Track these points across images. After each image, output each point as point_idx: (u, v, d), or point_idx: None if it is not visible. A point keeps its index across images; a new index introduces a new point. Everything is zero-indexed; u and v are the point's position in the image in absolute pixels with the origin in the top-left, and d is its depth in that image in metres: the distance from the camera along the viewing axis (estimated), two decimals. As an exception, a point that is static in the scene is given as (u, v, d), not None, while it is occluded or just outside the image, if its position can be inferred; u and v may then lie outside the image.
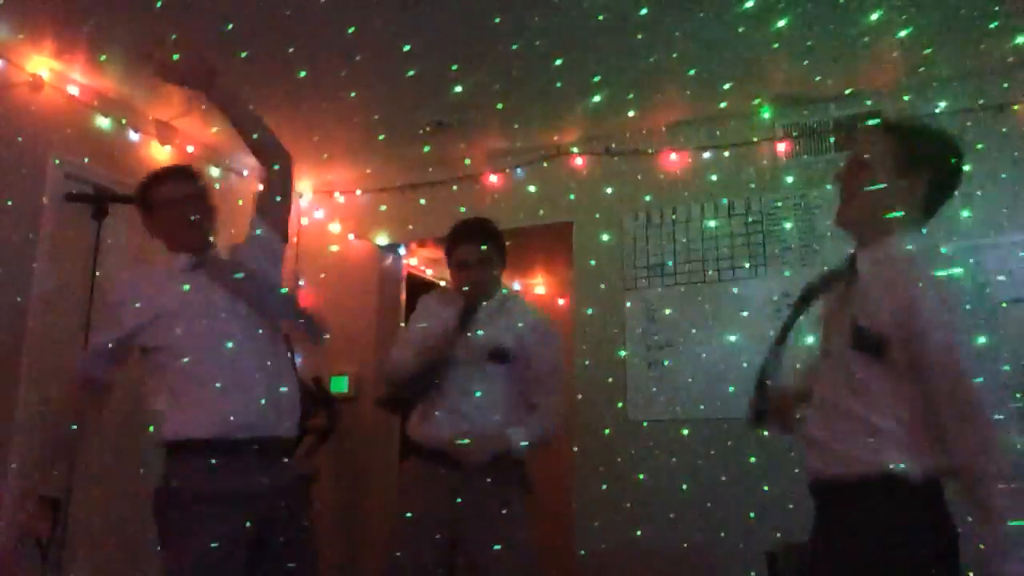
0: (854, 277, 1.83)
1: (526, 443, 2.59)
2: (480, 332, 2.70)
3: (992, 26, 3.12)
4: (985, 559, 1.56)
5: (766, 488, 3.43)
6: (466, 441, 2.52)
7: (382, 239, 4.69)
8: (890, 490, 1.68)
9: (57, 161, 3.52)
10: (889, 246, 1.80)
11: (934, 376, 1.65)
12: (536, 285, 6.09)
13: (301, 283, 4.79)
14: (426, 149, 4.36)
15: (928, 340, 1.65)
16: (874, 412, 1.71)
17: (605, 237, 4.11)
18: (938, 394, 1.65)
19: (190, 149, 4.18)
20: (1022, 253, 3.30)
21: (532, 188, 4.32)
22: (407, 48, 3.32)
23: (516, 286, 6.02)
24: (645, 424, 3.82)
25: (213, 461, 2.14)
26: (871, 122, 1.91)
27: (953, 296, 1.72)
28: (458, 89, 3.65)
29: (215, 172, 4.35)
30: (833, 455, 1.76)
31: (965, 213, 3.41)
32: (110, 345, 2.32)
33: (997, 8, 3.01)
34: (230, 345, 2.23)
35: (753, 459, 3.51)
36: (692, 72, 3.51)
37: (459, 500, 2.58)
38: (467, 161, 4.50)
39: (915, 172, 1.80)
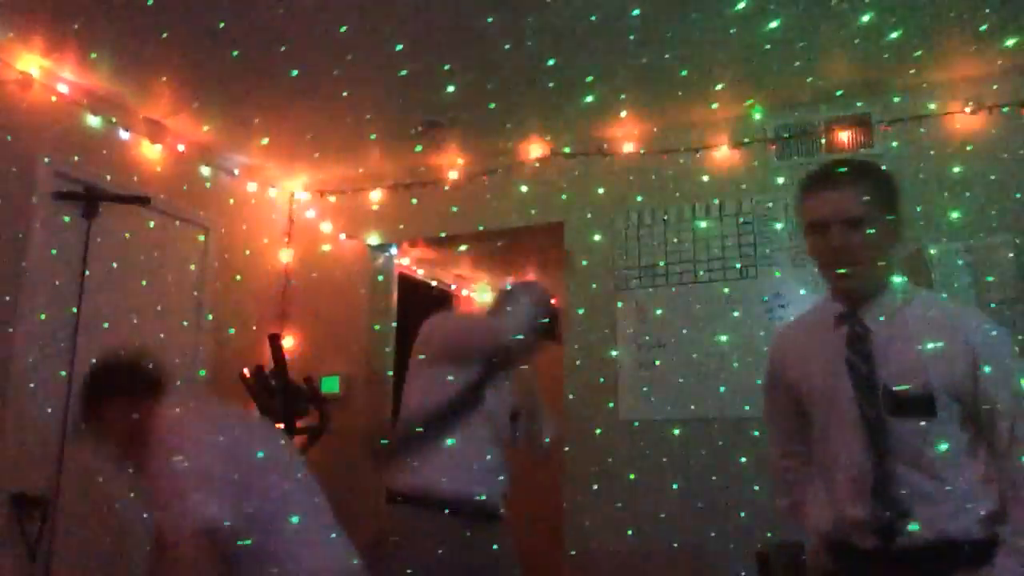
0: (860, 339, 1.77)
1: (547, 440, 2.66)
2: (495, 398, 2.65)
3: (982, 28, 3.13)
4: None
5: (757, 488, 3.44)
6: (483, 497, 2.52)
7: (374, 239, 4.68)
8: (981, 552, 1.66)
9: (47, 160, 3.50)
10: (892, 298, 1.79)
11: (1004, 424, 1.66)
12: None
13: (293, 283, 4.77)
14: (418, 149, 4.35)
15: (999, 388, 1.67)
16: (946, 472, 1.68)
17: (597, 237, 4.12)
18: (1009, 442, 1.66)
19: (180, 148, 4.17)
20: (1011, 254, 3.32)
21: (524, 188, 4.32)
22: (399, 47, 3.31)
23: (508, 286, 6.01)
24: (636, 424, 3.83)
25: None
26: (840, 172, 1.84)
27: (1007, 344, 1.75)
28: (450, 89, 3.65)
29: (206, 171, 4.34)
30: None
31: (954, 214, 3.43)
32: None
33: (987, 11, 3.03)
34: None
35: (744, 459, 3.52)
36: (684, 73, 3.51)
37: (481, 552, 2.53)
38: (459, 161, 4.50)
39: (896, 212, 1.82)
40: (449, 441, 2.49)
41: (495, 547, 2.52)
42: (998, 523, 1.66)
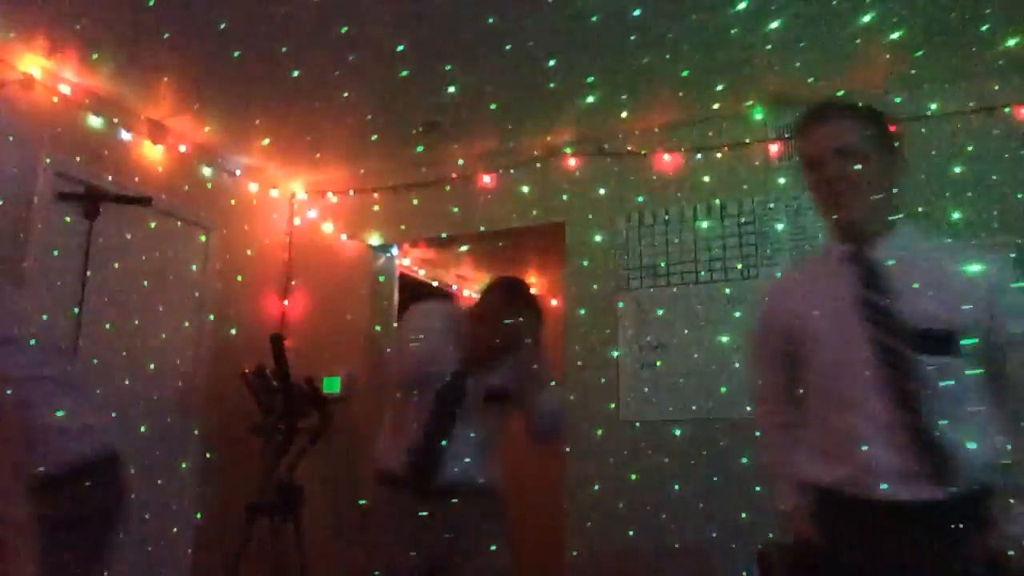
0: (875, 275, 1.72)
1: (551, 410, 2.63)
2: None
3: (983, 29, 3.13)
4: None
5: (757, 488, 3.43)
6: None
7: (375, 239, 4.69)
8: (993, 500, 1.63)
9: (48, 160, 3.51)
10: (905, 236, 1.77)
11: (1019, 355, 1.65)
12: (529, 286, 6.09)
13: (294, 283, 4.78)
14: (419, 149, 4.36)
15: (1014, 320, 1.66)
16: (970, 417, 1.63)
17: (598, 238, 4.12)
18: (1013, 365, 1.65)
19: (182, 148, 4.17)
20: (1012, 254, 3.31)
21: (525, 188, 4.33)
22: (400, 48, 3.32)
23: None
24: (637, 424, 3.83)
25: None
26: (830, 107, 1.85)
27: (1014, 276, 1.73)
28: (451, 89, 3.65)
29: (207, 172, 4.35)
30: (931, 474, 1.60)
31: (956, 214, 3.43)
32: None
33: (988, 11, 3.03)
34: None
35: (745, 459, 3.51)
36: (685, 73, 3.51)
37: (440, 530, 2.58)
38: (460, 161, 4.50)
39: (895, 149, 1.79)
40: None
41: (454, 522, 2.56)
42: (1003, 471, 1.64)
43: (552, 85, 3.62)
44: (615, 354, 3.94)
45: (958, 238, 3.36)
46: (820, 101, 1.91)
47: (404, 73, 3.51)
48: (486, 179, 4.42)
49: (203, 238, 4.31)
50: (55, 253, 3.48)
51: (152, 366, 3.94)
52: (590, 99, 3.75)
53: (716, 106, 3.83)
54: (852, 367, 1.69)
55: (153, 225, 4.00)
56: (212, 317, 4.27)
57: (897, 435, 1.62)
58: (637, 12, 3.04)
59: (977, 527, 1.59)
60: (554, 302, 5.66)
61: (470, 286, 5.95)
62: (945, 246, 1.80)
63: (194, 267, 4.25)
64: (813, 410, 1.80)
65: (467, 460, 2.60)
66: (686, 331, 3.82)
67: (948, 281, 1.68)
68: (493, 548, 2.58)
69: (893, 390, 1.63)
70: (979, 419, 1.64)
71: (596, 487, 3.82)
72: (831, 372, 1.74)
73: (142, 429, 3.84)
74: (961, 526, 1.58)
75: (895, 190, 1.77)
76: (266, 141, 4.27)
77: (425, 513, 2.55)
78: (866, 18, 3.07)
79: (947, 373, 1.63)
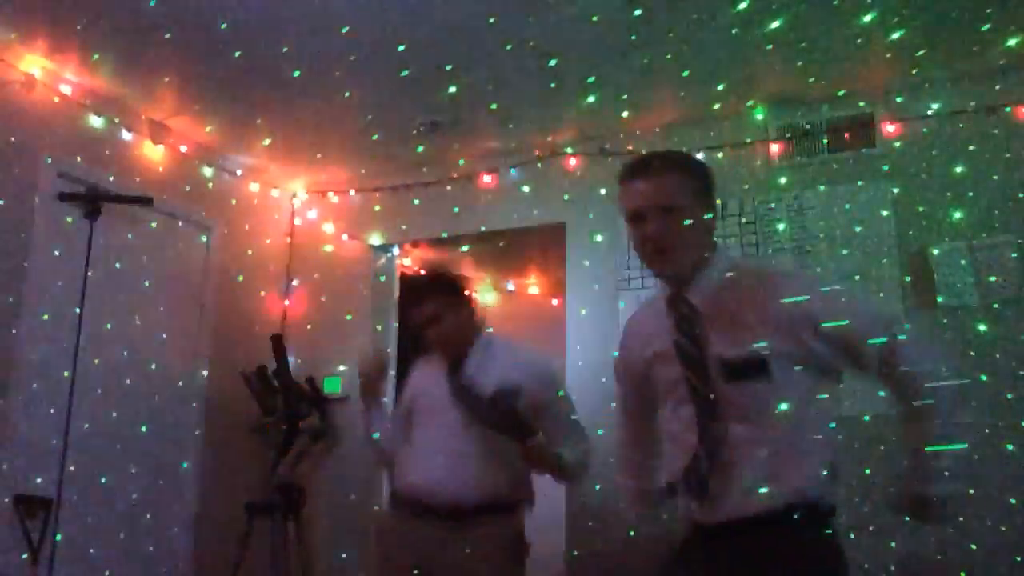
0: (689, 318, 1.82)
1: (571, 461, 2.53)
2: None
3: (984, 28, 3.13)
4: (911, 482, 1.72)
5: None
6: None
7: (376, 239, 4.68)
8: (813, 516, 1.70)
9: (49, 160, 3.51)
10: (713, 274, 1.84)
11: (861, 341, 1.71)
12: (530, 286, 6.10)
13: (295, 283, 4.78)
14: (420, 149, 4.35)
15: (860, 326, 1.73)
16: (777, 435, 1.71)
17: (599, 238, 4.11)
18: (869, 357, 1.71)
19: (183, 148, 4.18)
20: (1014, 254, 3.31)
21: (526, 188, 4.32)
22: (401, 48, 3.32)
23: (510, 287, 6.02)
24: (638, 424, 3.82)
25: None
26: (655, 160, 1.91)
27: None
28: (452, 89, 3.65)
29: (208, 172, 4.35)
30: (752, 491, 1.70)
31: (957, 214, 3.42)
32: None
33: (989, 10, 3.03)
34: None
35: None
36: (686, 73, 3.51)
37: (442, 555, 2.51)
38: (461, 161, 4.50)
39: (712, 199, 1.89)
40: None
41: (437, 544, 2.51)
42: (828, 485, 1.73)
43: (553, 85, 3.61)
44: (616, 354, 3.92)
45: (955, 239, 3.36)
46: (644, 155, 1.98)
47: (405, 73, 3.51)
48: (487, 179, 4.42)
49: (204, 238, 4.31)
50: (56, 253, 3.48)
51: (153, 366, 3.94)
52: (591, 99, 3.75)
53: (717, 106, 3.83)
54: (677, 407, 1.83)
55: (154, 225, 4.00)
56: (213, 317, 4.27)
57: (700, 464, 1.76)
58: (638, 12, 3.04)
59: (786, 540, 1.68)
60: (555, 302, 5.66)
61: (471, 286, 5.95)
62: (758, 276, 1.86)
63: (195, 267, 4.25)
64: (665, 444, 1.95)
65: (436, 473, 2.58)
66: (687, 331, 3.81)
67: (755, 309, 1.75)
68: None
69: (700, 427, 1.76)
70: (800, 435, 1.72)
71: (596, 487, 3.82)
72: (666, 413, 1.89)
73: (143, 429, 3.84)
74: (761, 541, 1.69)
75: (708, 240, 1.87)
76: (267, 141, 4.27)
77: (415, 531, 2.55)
78: (867, 18, 3.07)
79: (759, 397, 1.72)
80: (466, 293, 2.76)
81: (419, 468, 2.60)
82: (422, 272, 2.93)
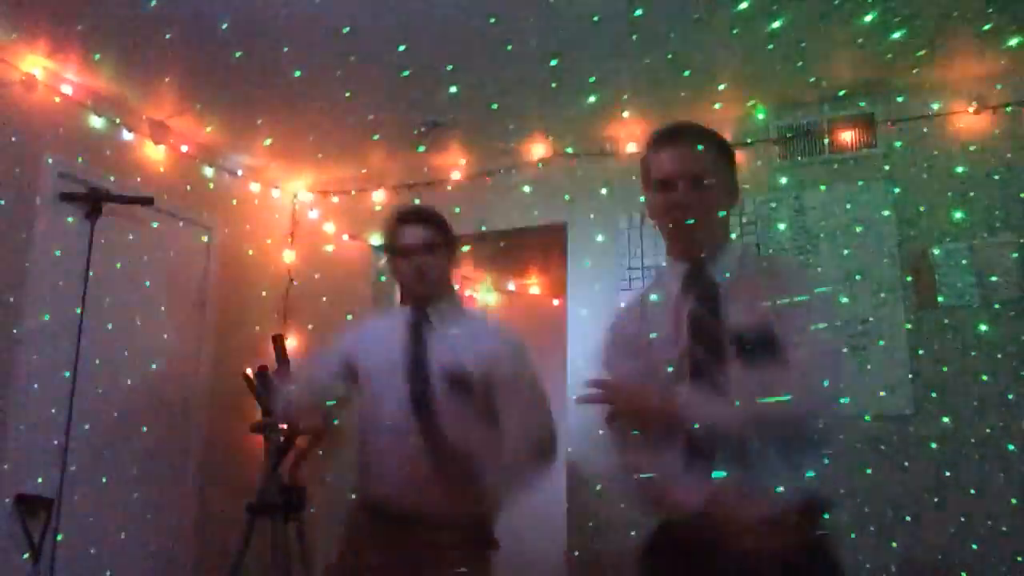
0: (709, 289, 1.80)
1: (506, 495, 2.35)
2: (434, 354, 2.41)
3: (985, 28, 3.13)
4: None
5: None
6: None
7: (377, 239, 4.68)
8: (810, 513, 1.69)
9: (50, 160, 3.51)
10: (729, 256, 1.85)
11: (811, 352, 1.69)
12: (531, 286, 6.10)
13: (296, 283, 4.78)
14: (420, 149, 4.36)
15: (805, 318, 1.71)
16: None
17: (599, 238, 4.11)
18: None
19: (184, 148, 4.18)
20: (1015, 254, 3.31)
21: (527, 189, 4.32)
22: (402, 48, 3.32)
23: (511, 287, 6.03)
24: (639, 424, 3.82)
25: None
26: (684, 130, 1.92)
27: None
28: (453, 90, 3.65)
29: (209, 172, 4.35)
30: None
31: (958, 214, 3.42)
32: None
33: (990, 10, 3.03)
34: None
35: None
36: (687, 73, 3.51)
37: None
38: (462, 161, 4.50)
39: (735, 176, 1.90)
40: None
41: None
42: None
43: (554, 85, 3.61)
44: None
45: (956, 239, 3.36)
46: (673, 124, 1.97)
47: (406, 73, 3.51)
48: (487, 179, 4.42)
49: (205, 238, 4.31)
50: (57, 253, 3.48)
51: (154, 366, 3.94)
52: (592, 99, 3.75)
53: (718, 106, 3.83)
54: (671, 383, 1.77)
55: (155, 225, 4.00)
56: (214, 317, 4.28)
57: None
58: (639, 12, 3.04)
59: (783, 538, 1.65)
60: (556, 302, 5.66)
61: (472, 286, 5.96)
62: (765, 261, 1.96)
63: (196, 267, 4.25)
64: None
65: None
66: (688, 331, 3.81)
67: (766, 294, 1.75)
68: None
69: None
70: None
71: (597, 487, 3.82)
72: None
73: (143, 429, 3.85)
74: None
75: (730, 212, 1.90)
76: (268, 141, 4.27)
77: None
78: (868, 17, 3.06)
79: (767, 379, 1.68)
80: (454, 237, 2.59)
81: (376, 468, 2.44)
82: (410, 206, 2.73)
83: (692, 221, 1.80)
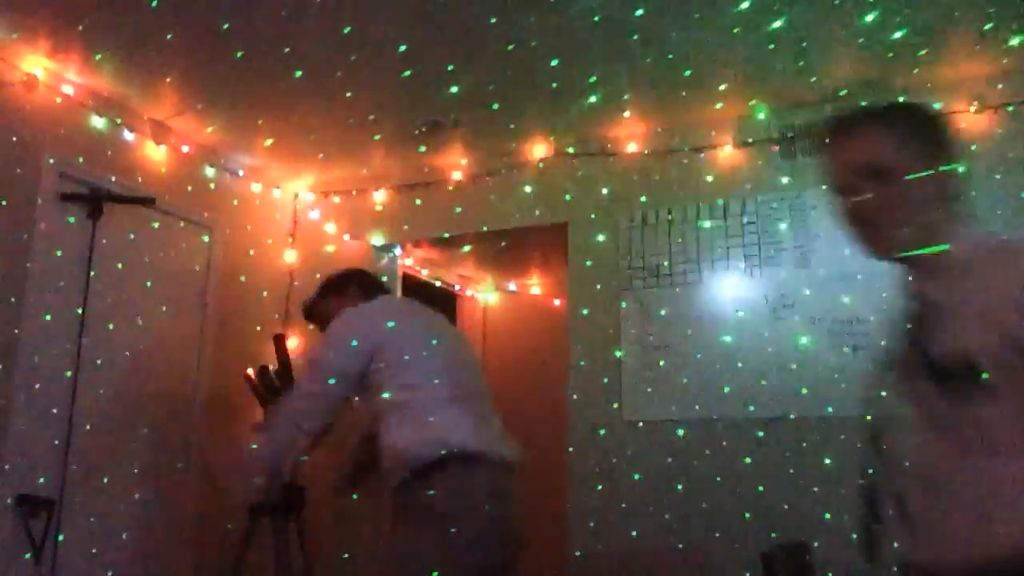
0: (931, 311, 1.44)
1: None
2: None
3: (987, 28, 3.13)
4: None
5: (761, 489, 3.44)
6: None
7: (377, 239, 4.69)
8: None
9: (52, 161, 3.51)
10: (947, 255, 1.45)
11: None
12: (532, 286, 6.10)
13: (297, 284, 4.78)
14: (422, 149, 4.36)
15: None
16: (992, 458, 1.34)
17: (600, 238, 4.11)
18: None
19: (185, 149, 4.18)
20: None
21: (527, 188, 4.33)
22: (403, 48, 3.32)
23: (512, 287, 6.02)
24: (640, 424, 3.82)
25: None
26: (855, 117, 1.54)
27: None
28: (454, 89, 3.65)
29: (210, 172, 4.35)
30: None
31: (959, 214, 3.42)
32: None
33: (992, 10, 3.02)
34: None
35: (748, 460, 3.51)
36: (688, 72, 3.51)
37: None
38: (463, 161, 4.50)
39: (942, 157, 1.49)
40: None
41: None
42: None
43: (555, 85, 3.61)
44: (618, 354, 3.94)
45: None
46: (845, 110, 1.59)
47: (407, 73, 3.51)
48: (488, 179, 4.42)
49: (206, 238, 4.32)
50: (58, 253, 3.48)
51: (155, 366, 3.94)
52: (593, 99, 3.75)
53: (719, 105, 3.83)
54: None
55: (156, 225, 4.01)
56: (215, 317, 4.28)
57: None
58: (640, 11, 3.04)
59: None
60: (557, 302, 5.66)
61: (473, 286, 5.96)
62: (1004, 249, 1.44)
63: (197, 267, 4.25)
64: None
65: None
66: (689, 331, 3.82)
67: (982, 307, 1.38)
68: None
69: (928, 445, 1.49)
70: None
71: (599, 487, 3.82)
72: None
73: (145, 429, 3.85)
74: None
75: (943, 209, 1.47)
76: (269, 141, 4.28)
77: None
78: (869, 17, 3.06)
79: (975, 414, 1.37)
80: None
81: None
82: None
83: (867, 229, 1.48)
